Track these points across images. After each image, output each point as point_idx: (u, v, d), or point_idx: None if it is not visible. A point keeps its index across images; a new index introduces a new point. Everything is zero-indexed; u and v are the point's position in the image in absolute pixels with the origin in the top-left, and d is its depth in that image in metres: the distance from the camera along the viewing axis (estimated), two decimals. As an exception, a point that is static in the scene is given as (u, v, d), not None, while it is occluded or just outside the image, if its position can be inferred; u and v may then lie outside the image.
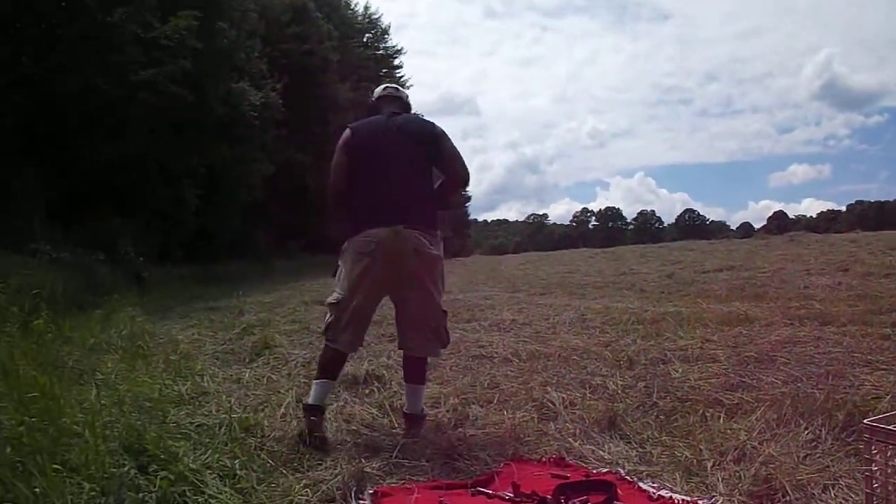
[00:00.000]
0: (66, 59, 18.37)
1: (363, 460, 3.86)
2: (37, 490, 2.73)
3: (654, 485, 3.38)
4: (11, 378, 3.84)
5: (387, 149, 4.45)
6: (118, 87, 19.29)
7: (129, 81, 19.60)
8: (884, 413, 3.20)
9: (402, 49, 57.40)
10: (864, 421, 2.90)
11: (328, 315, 4.53)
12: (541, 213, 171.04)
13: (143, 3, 19.76)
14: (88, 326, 8.51)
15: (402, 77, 55.47)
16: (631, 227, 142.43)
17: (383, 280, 4.41)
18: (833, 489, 3.16)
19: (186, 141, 23.10)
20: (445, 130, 4.60)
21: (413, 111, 5.04)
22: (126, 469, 3.17)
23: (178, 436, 4.05)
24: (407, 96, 4.94)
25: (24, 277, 9.01)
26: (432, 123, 4.67)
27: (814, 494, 3.11)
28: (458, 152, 4.59)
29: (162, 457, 3.39)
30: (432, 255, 4.43)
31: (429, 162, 4.53)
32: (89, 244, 17.50)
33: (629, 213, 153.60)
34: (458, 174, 4.61)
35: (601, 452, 3.95)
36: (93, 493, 2.91)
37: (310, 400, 4.40)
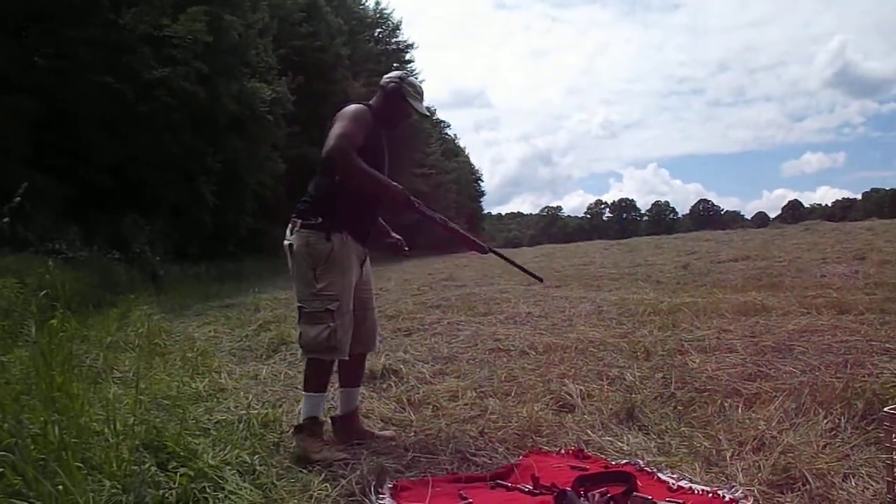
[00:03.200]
0: (78, 60, 18.45)
1: (382, 455, 3.87)
2: (59, 488, 2.74)
3: (674, 475, 3.38)
4: (42, 377, 3.86)
5: None
6: (131, 87, 19.38)
7: (142, 80, 19.69)
8: (903, 401, 3.19)
9: (413, 44, 57.44)
10: (885, 409, 2.89)
11: None
12: (554, 205, 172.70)
13: (153, 3, 19.85)
14: (105, 325, 8.55)
15: (413, 71, 55.58)
16: (645, 218, 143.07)
17: None
18: (853, 478, 3.15)
19: (200, 138, 23.18)
20: (355, 109, 4.17)
21: (385, 95, 4.35)
22: (146, 466, 3.18)
23: (197, 433, 4.07)
24: (386, 83, 4.38)
25: (41, 277, 9.03)
26: (345, 106, 4.24)
27: (834, 483, 3.10)
28: (337, 128, 4.03)
29: (181, 454, 3.40)
30: (287, 244, 4.17)
31: None
32: (105, 243, 17.59)
33: (643, 204, 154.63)
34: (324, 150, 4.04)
35: (620, 444, 3.95)
36: (114, 491, 2.92)
37: None
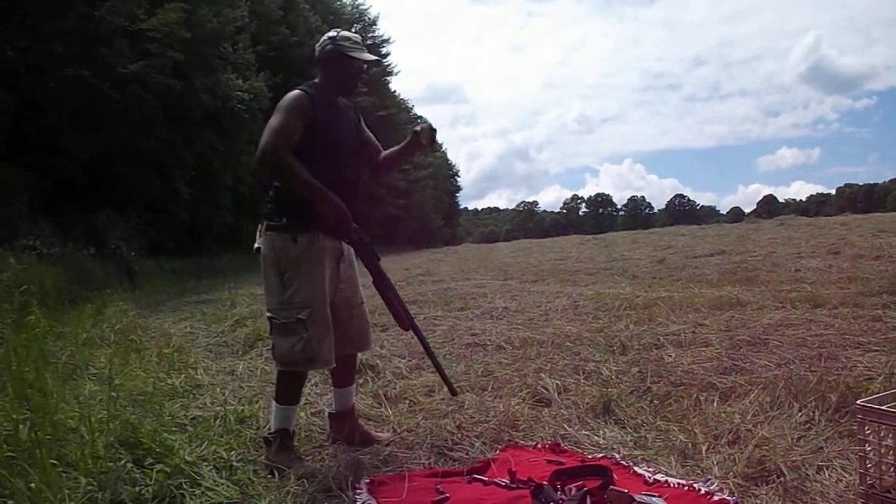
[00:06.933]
0: (52, 54, 18.29)
1: (359, 450, 3.87)
2: (32, 486, 2.72)
3: (650, 469, 3.39)
4: (14, 374, 3.83)
5: None
6: (106, 81, 19.23)
7: (116, 74, 19.54)
8: (876, 394, 3.22)
9: (390, 39, 57.25)
10: (858, 402, 2.92)
11: None
12: (531, 200, 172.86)
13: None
14: (81, 321, 8.49)
15: (389, 66, 55.50)
16: (621, 213, 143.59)
17: None
18: (827, 470, 3.18)
19: (175, 132, 23.04)
20: (289, 98, 3.75)
21: (326, 62, 3.96)
22: (122, 463, 3.16)
23: (174, 429, 4.05)
24: (321, 49, 3.97)
25: (15, 273, 8.96)
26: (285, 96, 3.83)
27: (808, 475, 3.12)
28: (270, 123, 3.70)
29: (158, 450, 3.38)
30: (255, 248, 3.89)
31: None
32: (80, 239, 17.46)
33: (619, 199, 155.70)
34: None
35: (596, 438, 3.96)
36: (90, 488, 2.91)
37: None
